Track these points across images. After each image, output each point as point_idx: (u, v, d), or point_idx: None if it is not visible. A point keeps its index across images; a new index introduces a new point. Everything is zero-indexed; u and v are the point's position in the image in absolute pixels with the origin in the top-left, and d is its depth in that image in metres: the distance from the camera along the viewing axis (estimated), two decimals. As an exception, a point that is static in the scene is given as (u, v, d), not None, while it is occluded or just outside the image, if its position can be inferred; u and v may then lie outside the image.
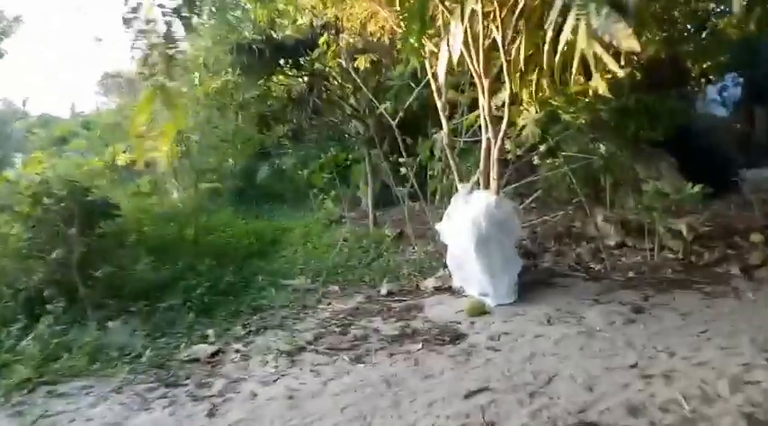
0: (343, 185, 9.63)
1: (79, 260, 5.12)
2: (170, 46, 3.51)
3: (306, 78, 8.84)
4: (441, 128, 6.16)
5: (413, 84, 7.75)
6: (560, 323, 4.25)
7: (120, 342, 4.62)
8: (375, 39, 6.92)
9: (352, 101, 8.99)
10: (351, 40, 7.26)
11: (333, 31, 7.43)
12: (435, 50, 5.46)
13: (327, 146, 10.04)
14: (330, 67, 8.32)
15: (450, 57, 4.75)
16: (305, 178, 9.85)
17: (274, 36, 8.03)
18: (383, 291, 5.55)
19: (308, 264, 6.80)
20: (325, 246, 7.69)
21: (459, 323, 4.48)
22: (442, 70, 4.92)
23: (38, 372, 4.05)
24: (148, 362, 4.25)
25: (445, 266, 5.71)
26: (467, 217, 4.85)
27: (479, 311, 4.58)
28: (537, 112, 5.44)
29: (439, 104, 5.75)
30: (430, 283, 5.57)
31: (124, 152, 7.44)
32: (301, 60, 8.35)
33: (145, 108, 3.70)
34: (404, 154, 7.87)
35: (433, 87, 5.71)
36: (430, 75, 5.70)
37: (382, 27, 6.46)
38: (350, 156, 9.82)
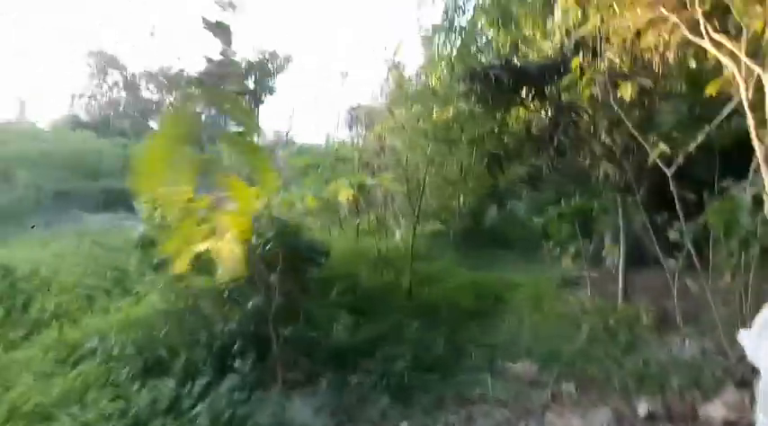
0: (585, 239, 7.95)
1: (276, 311, 4.58)
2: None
3: (550, 111, 7.56)
4: (740, 180, 4.37)
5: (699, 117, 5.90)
6: None
7: (300, 421, 3.91)
8: (646, 60, 5.39)
9: (605, 139, 7.40)
10: (614, 61, 5.75)
11: (589, 52, 6.00)
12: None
13: (569, 192, 8.47)
14: (582, 98, 6.88)
15: None
16: (540, 226, 8.46)
17: (515, 62, 6.90)
18: (641, 410, 3.89)
19: (535, 342, 5.42)
20: (558, 317, 6.19)
21: None
22: None
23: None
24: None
25: (741, 384, 3.88)
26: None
27: None
28: None
29: (762, 151, 3.81)
30: (716, 410, 3.74)
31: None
32: (546, 89, 7.10)
33: (157, 159, 1.49)
34: (677, 209, 5.99)
35: (751, 121, 3.82)
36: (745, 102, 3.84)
37: (658, 45, 4.91)
38: (596, 205, 8.12)
